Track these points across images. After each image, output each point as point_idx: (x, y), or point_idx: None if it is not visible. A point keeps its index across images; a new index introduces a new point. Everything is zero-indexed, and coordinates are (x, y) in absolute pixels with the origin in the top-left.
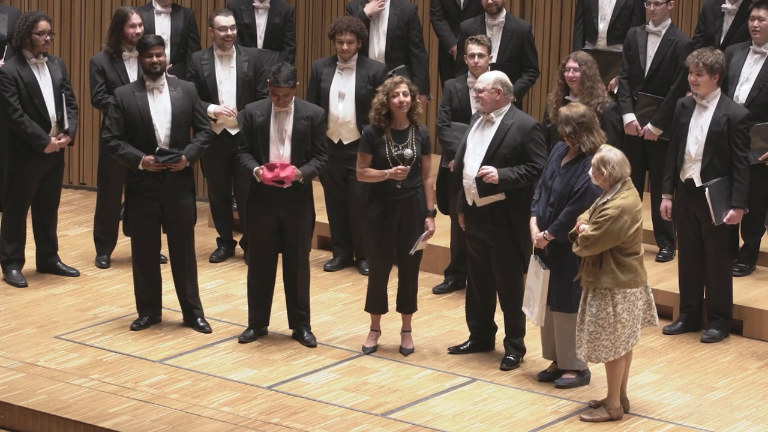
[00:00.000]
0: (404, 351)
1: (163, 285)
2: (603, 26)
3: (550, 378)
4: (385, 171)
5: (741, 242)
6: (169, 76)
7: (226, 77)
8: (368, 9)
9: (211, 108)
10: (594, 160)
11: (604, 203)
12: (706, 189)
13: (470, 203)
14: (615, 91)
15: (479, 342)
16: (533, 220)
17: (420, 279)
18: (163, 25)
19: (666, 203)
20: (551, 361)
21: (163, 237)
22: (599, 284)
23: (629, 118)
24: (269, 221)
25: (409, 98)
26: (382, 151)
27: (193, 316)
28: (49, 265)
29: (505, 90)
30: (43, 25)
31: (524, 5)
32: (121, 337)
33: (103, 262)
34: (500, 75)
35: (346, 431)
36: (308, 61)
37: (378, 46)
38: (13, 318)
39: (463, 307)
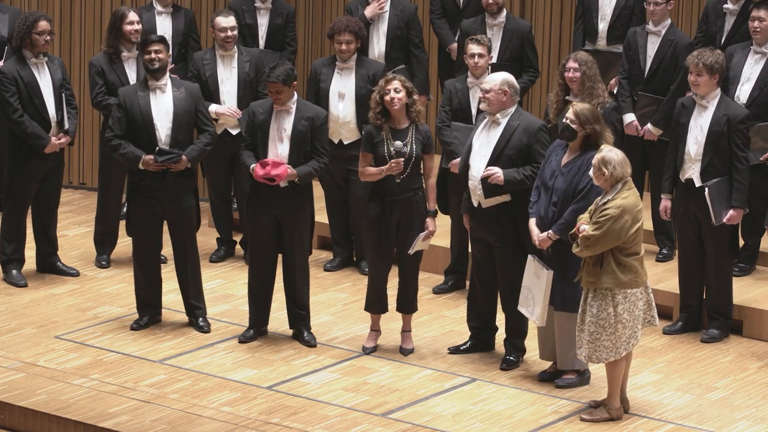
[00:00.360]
0: (404, 351)
1: (164, 285)
2: (603, 26)
3: (550, 378)
4: (382, 167)
5: (741, 242)
6: (173, 76)
7: (228, 77)
8: (368, 12)
9: (213, 107)
10: (595, 161)
11: (605, 203)
12: (706, 189)
13: (476, 204)
14: (614, 92)
15: (479, 342)
16: (532, 221)
17: (420, 279)
18: (164, 26)
19: (666, 203)
20: (551, 362)
21: (166, 237)
22: (600, 284)
23: (629, 118)
24: (268, 221)
25: (401, 95)
26: (381, 150)
27: (194, 316)
28: (49, 265)
29: (511, 91)
30: (43, 25)
31: (524, 5)
32: (121, 337)
33: (103, 262)
34: (507, 76)
35: (346, 431)
36: (308, 62)
37: (378, 46)
38: (13, 318)
39: (462, 307)
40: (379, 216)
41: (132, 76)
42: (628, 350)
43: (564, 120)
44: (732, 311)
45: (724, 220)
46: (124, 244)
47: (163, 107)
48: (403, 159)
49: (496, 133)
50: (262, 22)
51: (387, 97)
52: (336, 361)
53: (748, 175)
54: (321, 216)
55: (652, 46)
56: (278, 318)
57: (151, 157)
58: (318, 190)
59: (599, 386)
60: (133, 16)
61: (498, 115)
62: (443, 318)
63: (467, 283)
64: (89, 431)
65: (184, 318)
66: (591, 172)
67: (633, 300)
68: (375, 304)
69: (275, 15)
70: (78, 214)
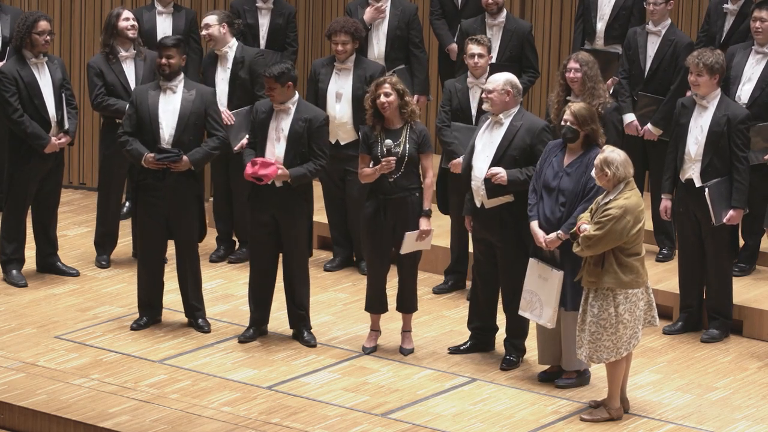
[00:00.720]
0: (404, 351)
1: (164, 285)
2: (601, 26)
3: (550, 378)
4: (376, 167)
5: (741, 242)
6: (188, 79)
7: (222, 78)
8: (367, 17)
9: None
10: (597, 161)
11: (607, 203)
12: (706, 189)
13: (479, 205)
14: (611, 92)
15: (479, 342)
16: (535, 224)
17: (420, 279)
18: (164, 26)
19: (666, 203)
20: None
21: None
22: (601, 284)
23: (629, 118)
24: (266, 220)
25: (392, 98)
26: (375, 150)
27: (194, 317)
28: (49, 265)
29: (514, 92)
30: (43, 25)
31: (524, 5)
32: (121, 337)
33: (103, 262)
34: (510, 76)
35: (346, 431)
36: (308, 62)
37: (378, 46)
38: (13, 318)
39: (462, 307)
40: (374, 215)
41: (131, 76)
42: (628, 350)
43: (563, 122)
44: (732, 311)
45: (724, 221)
46: (124, 244)
47: (170, 107)
48: (394, 158)
49: (499, 133)
50: (263, 22)
51: (378, 101)
52: (336, 361)
53: (748, 176)
54: (321, 216)
55: (652, 46)
56: (278, 318)
57: (152, 154)
58: (318, 190)
59: (599, 386)
60: (127, 13)
61: (501, 116)
62: (443, 318)
63: (467, 283)
64: (89, 431)
65: (184, 318)
66: (593, 173)
67: (634, 300)
68: (374, 304)
69: (276, 15)
70: (78, 214)
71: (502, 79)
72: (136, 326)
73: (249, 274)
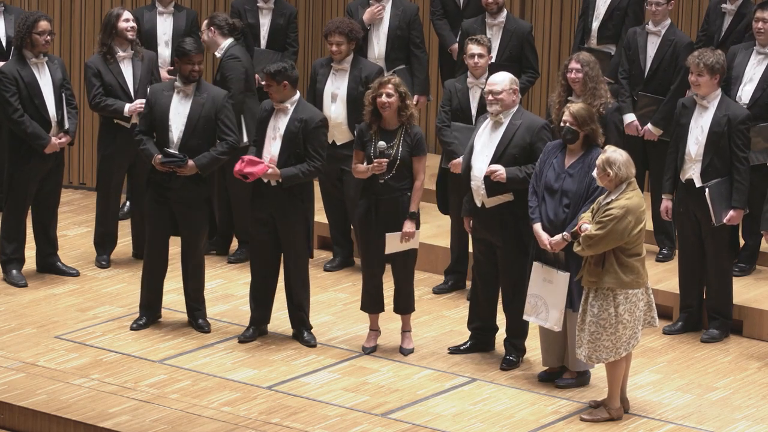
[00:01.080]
0: (404, 351)
1: (164, 285)
2: (596, 25)
3: (550, 378)
4: (369, 166)
5: (741, 242)
6: (204, 82)
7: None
8: (366, 17)
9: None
10: (599, 161)
11: (609, 203)
12: (706, 189)
13: (479, 205)
14: None
15: (479, 342)
16: (538, 226)
17: (420, 279)
18: (165, 26)
19: (666, 203)
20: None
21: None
22: (601, 284)
23: (629, 118)
24: (265, 219)
25: (393, 99)
26: (368, 149)
27: (194, 317)
28: (49, 265)
29: (518, 90)
30: (44, 25)
31: (524, 5)
32: (121, 337)
33: (103, 263)
34: (511, 75)
35: (346, 431)
36: (308, 63)
37: (378, 46)
38: (13, 318)
39: (462, 307)
40: (365, 213)
41: (129, 76)
42: (628, 351)
43: (562, 123)
44: (732, 311)
45: (725, 221)
46: (123, 244)
47: (181, 110)
48: (386, 161)
49: (499, 132)
50: (264, 22)
51: (379, 100)
52: (336, 361)
53: (749, 176)
54: (320, 216)
55: (652, 46)
56: (278, 318)
57: (159, 157)
58: (318, 190)
59: (599, 386)
60: (127, 14)
61: (501, 115)
62: (443, 318)
63: (467, 283)
64: (89, 431)
65: (184, 318)
66: (595, 173)
67: (634, 300)
68: (369, 303)
69: (277, 15)
70: (78, 214)
71: (507, 78)
72: (136, 326)
73: (250, 272)
